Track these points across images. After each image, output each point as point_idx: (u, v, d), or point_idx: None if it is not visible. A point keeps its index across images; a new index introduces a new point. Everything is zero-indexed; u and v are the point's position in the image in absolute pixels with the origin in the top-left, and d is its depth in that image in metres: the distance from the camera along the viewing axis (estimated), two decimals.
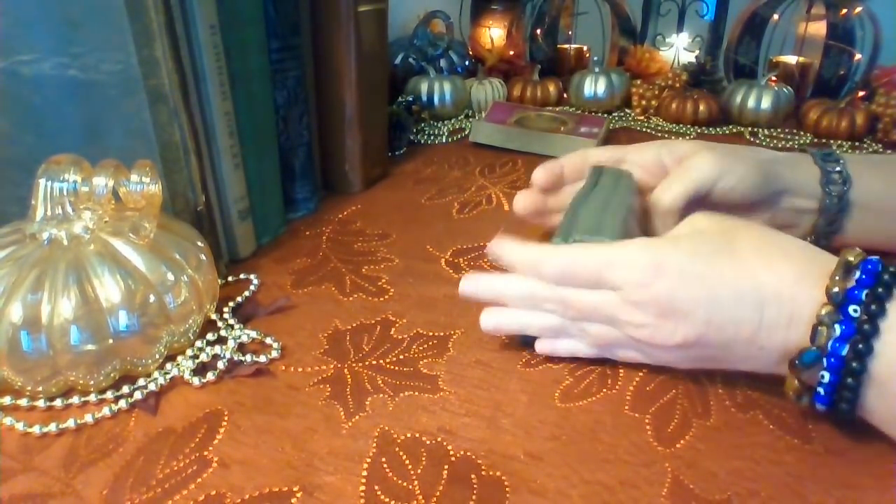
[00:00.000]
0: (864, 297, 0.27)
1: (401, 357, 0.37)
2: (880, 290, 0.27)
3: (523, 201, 0.48)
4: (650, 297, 0.31)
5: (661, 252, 0.31)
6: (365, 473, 0.29)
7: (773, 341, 0.29)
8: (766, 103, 0.79)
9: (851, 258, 0.28)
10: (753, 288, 0.29)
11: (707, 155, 0.41)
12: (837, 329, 0.27)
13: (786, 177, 0.43)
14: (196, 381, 0.34)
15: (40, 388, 0.32)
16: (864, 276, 0.28)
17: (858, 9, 0.81)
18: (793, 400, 0.30)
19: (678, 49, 1.00)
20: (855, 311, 0.27)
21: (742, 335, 0.30)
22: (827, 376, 0.28)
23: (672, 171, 0.43)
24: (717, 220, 0.34)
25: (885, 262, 0.28)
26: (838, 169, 0.43)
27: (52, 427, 0.31)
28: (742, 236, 0.32)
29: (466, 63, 0.93)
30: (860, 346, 0.27)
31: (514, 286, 0.35)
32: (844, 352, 0.27)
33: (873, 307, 0.27)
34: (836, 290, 0.28)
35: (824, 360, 0.28)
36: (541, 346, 0.36)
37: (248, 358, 0.36)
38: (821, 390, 0.28)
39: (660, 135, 0.80)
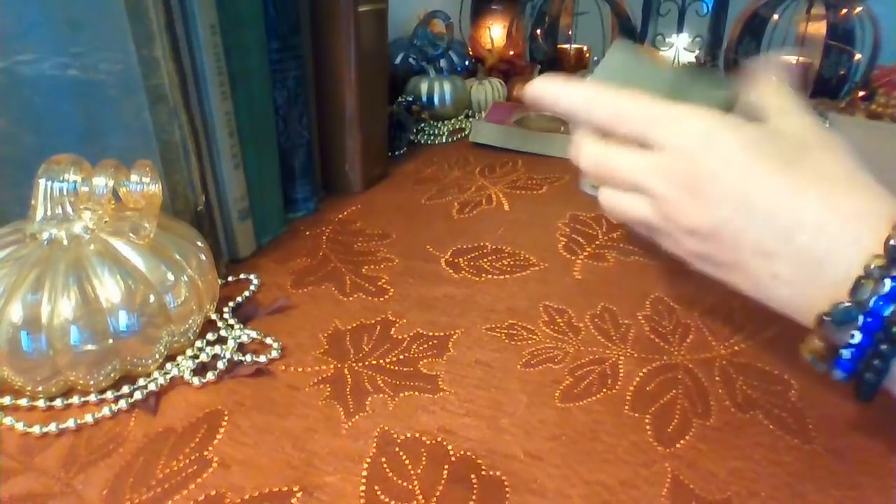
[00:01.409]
0: None
1: (401, 357, 0.37)
2: None
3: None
4: (685, 168, 0.28)
5: (718, 128, 0.28)
6: (365, 473, 0.29)
7: (793, 273, 0.26)
8: None
9: None
10: (794, 207, 0.26)
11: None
12: (887, 285, 0.23)
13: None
14: (196, 381, 0.34)
15: (40, 388, 0.32)
16: None
17: (858, 9, 0.81)
18: (807, 360, 0.27)
19: (678, 49, 1.00)
20: None
21: (760, 250, 0.27)
22: (858, 337, 0.24)
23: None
24: (806, 130, 0.29)
25: None
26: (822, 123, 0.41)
27: (52, 427, 0.31)
28: (818, 156, 0.28)
29: (466, 63, 0.93)
30: None
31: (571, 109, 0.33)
32: (888, 312, 0.23)
33: None
34: (895, 242, 0.24)
35: (860, 317, 0.24)
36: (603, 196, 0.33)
37: (248, 358, 0.36)
38: (846, 353, 0.25)
39: None
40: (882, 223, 0.25)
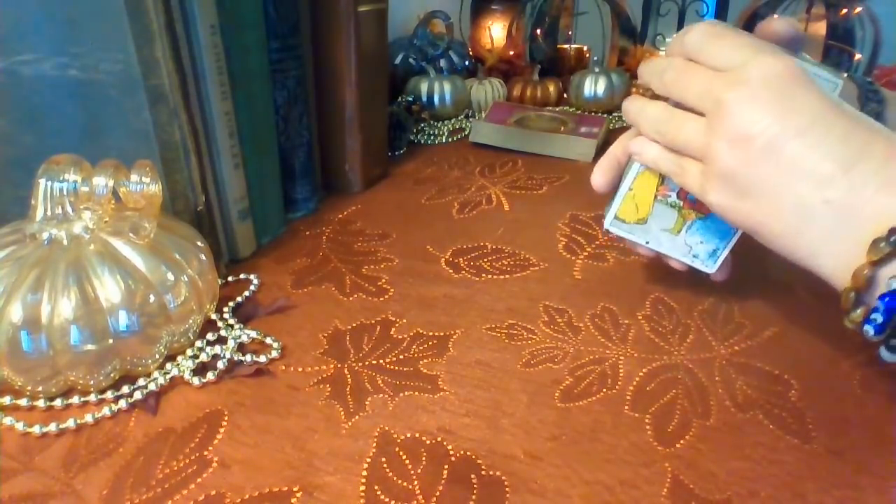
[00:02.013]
0: None
1: (401, 357, 0.37)
2: None
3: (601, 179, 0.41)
4: (777, 75, 0.28)
5: (803, 72, 0.29)
6: (365, 473, 0.29)
7: (847, 202, 0.27)
8: None
9: None
10: (866, 140, 0.27)
11: None
12: None
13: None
14: (196, 381, 0.34)
15: (40, 388, 0.32)
16: None
17: (858, 9, 0.81)
18: (847, 323, 0.28)
19: None
20: None
21: (816, 173, 0.27)
22: (880, 318, 0.26)
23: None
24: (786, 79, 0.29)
25: None
26: (874, 88, 0.41)
27: (52, 427, 0.31)
28: (882, 146, 0.27)
29: (466, 63, 0.93)
30: None
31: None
32: None
33: None
34: None
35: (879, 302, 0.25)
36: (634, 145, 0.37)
37: (248, 358, 0.36)
38: (877, 317, 0.26)
39: None
40: None
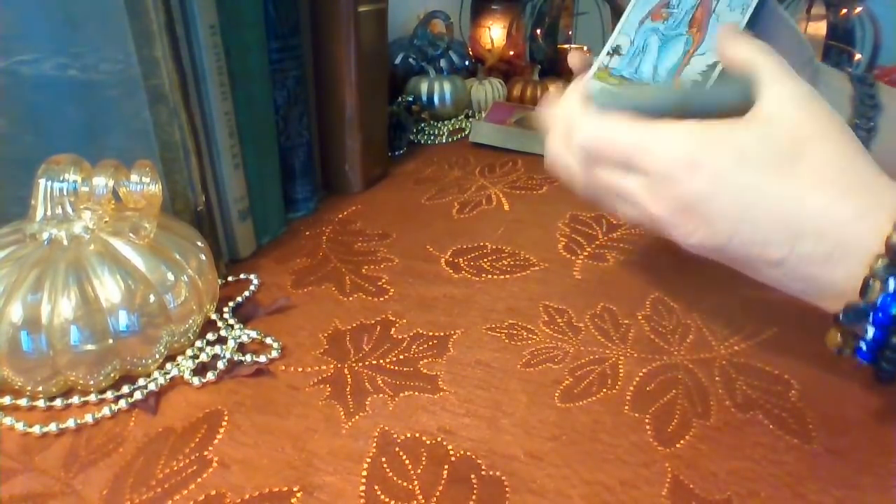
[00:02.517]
0: None
1: (401, 357, 0.37)
2: None
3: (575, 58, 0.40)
4: (675, 193, 0.28)
5: (704, 146, 0.28)
6: (365, 473, 0.29)
7: (801, 273, 0.27)
8: None
9: None
10: (794, 216, 0.26)
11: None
12: (892, 284, 0.24)
13: (817, 84, 0.40)
14: (196, 381, 0.34)
15: (40, 388, 0.32)
16: None
17: (858, 9, 0.81)
18: (833, 352, 0.28)
19: None
20: None
21: (766, 259, 0.27)
22: (871, 332, 0.25)
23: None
24: (801, 112, 0.28)
25: None
26: (872, 92, 0.40)
27: (52, 427, 0.31)
28: (814, 150, 0.27)
29: (466, 63, 0.93)
30: None
31: (549, 140, 0.34)
32: (894, 310, 0.24)
33: None
34: None
35: (871, 314, 0.25)
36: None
37: (248, 358, 0.36)
38: (863, 346, 0.26)
39: None
40: (884, 219, 0.25)
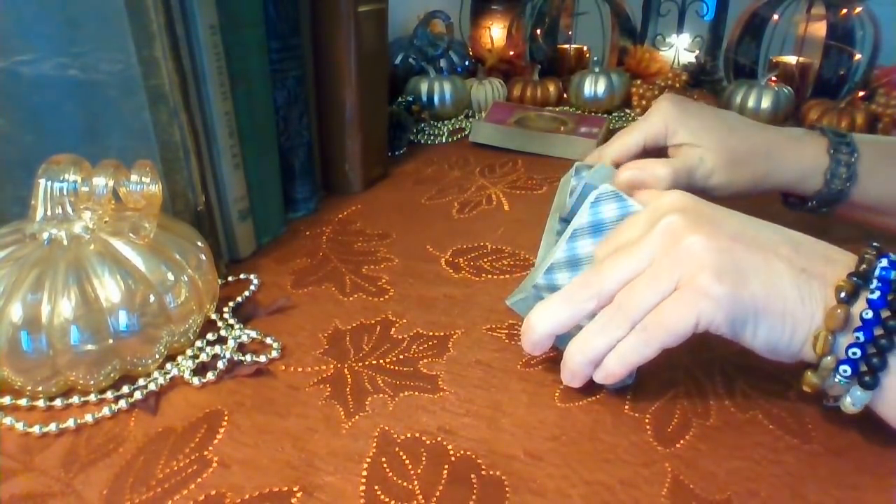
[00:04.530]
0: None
1: (401, 357, 0.37)
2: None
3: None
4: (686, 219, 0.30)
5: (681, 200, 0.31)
6: (365, 473, 0.29)
7: (814, 276, 0.28)
8: (766, 103, 0.80)
9: (870, 255, 0.28)
10: (785, 231, 0.30)
11: (665, 107, 0.43)
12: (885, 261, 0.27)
13: (785, 174, 0.43)
14: (196, 381, 0.34)
15: (40, 388, 0.32)
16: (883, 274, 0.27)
17: (858, 9, 0.81)
18: (811, 380, 0.28)
19: (678, 49, 1.00)
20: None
21: (786, 256, 0.28)
22: (877, 293, 0.27)
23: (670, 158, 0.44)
24: (696, 203, 0.31)
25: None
26: (849, 161, 0.42)
27: (52, 427, 0.31)
28: (723, 218, 0.30)
29: (466, 63, 0.93)
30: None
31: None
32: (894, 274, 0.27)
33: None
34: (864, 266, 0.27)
35: (874, 280, 0.27)
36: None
37: (248, 358, 0.36)
38: (860, 338, 0.27)
39: None
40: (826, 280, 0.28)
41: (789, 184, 0.44)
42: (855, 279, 0.27)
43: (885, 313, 0.26)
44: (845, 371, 0.27)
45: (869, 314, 0.26)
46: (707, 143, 0.42)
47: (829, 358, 0.27)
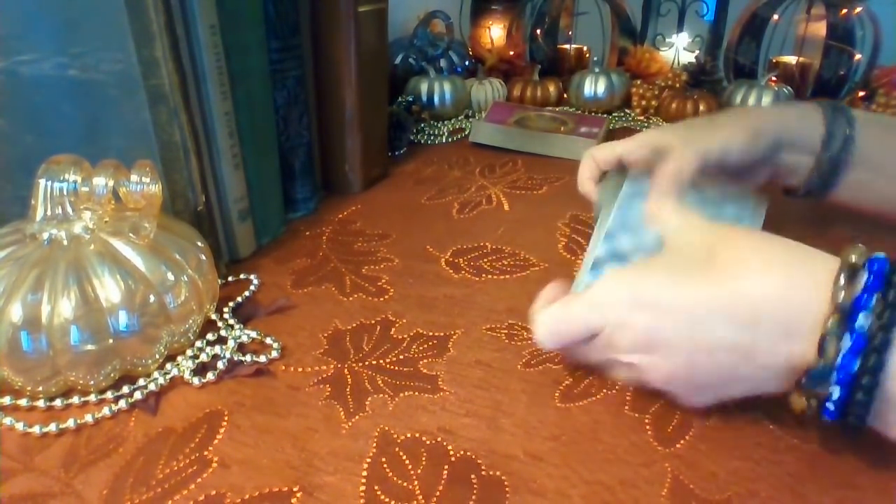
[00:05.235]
0: (873, 304, 0.24)
1: (401, 357, 0.37)
2: (892, 294, 0.24)
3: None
4: (631, 333, 0.29)
5: (634, 284, 0.30)
6: (365, 473, 0.29)
7: (776, 357, 0.27)
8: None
9: (854, 258, 0.25)
10: (738, 306, 0.27)
11: (679, 150, 0.41)
12: (847, 340, 0.25)
13: (785, 133, 0.43)
14: (196, 381, 0.34)
15: (40, 388, 0.32)
16: (872, 279, 0.25)
17: (858, 9, 0.81)
18: (798, 417, 0.28)
19: (678, 49, 1.00)
20: (865, 319, 0.24)
21: (738, 357, 0.27)
22: (837, 391, 0.25)
23: (656, 171, 0.43)
24: (703, 230, 0.31)
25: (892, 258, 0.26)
26: (844, 127, 0.42)
27: (52, 427, 0.31)
28: (724, 249, 0.29)
29: (466, 63, 0.93)
30: (872, 359, 0.24)
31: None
32: (855, 367, 0.25)
33: (886, 315, 0.24)
34: (843, 295, 0.25)
35: (833, 374, 0.25)
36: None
37: (248, 358, 0.36)
38: (830, 406, 0.26)
39: None
40: (815, 282, 0.26)
41: (792, 140, 0.43)
42: (821, 360, 0.26)
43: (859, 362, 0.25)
44: (830, 408, 0.27)
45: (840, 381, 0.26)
46: (723, 121, 0.43)
47: (812, 402, 0.27)
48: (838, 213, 0.46)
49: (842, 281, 0.25)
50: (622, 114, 0.88)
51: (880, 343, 0.24)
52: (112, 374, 0.33)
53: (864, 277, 0.25)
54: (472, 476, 0.28)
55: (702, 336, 0.28)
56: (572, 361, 0.36)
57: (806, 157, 0.44)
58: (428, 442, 0.30)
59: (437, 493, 0.27)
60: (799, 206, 0.47)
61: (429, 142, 0.77)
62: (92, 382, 0.33)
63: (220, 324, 0.39)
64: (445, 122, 0.83)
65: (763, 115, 0.45)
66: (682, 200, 0.37)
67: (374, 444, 0.30)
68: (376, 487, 0.28)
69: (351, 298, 0.43)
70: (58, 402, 0.33)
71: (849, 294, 0.25)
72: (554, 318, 0.32)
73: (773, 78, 0.83)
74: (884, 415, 0.26)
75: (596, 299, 0.31)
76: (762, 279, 0.27)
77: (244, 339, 0.38)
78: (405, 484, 0.28)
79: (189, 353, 0.36)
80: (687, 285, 0.29)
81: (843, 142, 0.42)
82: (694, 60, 0.94)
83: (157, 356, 0.35)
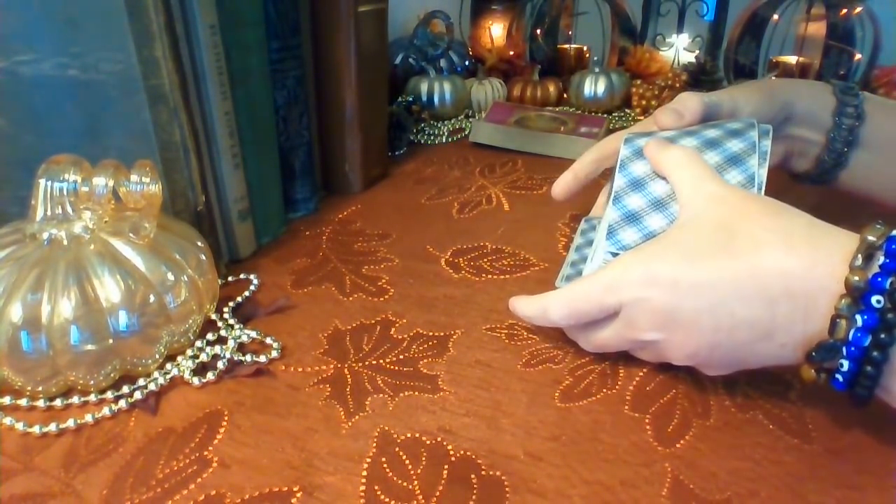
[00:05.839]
0: (888, 285, 0.25)
1: (401, 357, 0.37)
2: None
3: (560, 189, 0.49)
4: (650, 311, 0.30)
5: (648, 263, 0.30)
6: (365, 473, 0.29)
7: (794, 335, 0.27)
8: None
9: (874, 238, 0.26)
10: (760, 285, 0.27)
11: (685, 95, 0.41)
12: (859, 319, 0.25)
13: (797, 102, 0.43)
14: (196, 381, 0.34)
15: (40, 388, 0.32)
16: (888, 261, 0.25)
17: (858, 9, 0.81)
18: (807, 381, 0.28)
19: (678, 49, 1.00)
20: (878, 301, 0.25)
21: (758, 334, 0.28)
22: (846, 364, 0.26)
23: (656, 112, 0.43)
24: (719, 203, 0.31)
25: None
26: (855, 103, 0.43)
27: (52, 427, 0.31)
28: (741, 226, 0.29)
29: (466, 63, 0.93)
30: (883, 336, 0.25)
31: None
32: (867, 342, 0.25)
33: None
34: (856, 279, 0.25)
35: (844, 348, 0.26)
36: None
37: (248, 358, 0.36)
38: (839, 377, 0.27)
39: None
40: (838, 261, 0.26)
41: (803, 112, 0.44)
42: (830, 343, 0.26)
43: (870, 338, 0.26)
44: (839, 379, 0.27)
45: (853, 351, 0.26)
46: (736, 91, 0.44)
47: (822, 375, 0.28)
48: (841, 213, 0.46)
49: (858, 261, 0.26)
50: (622, 114, 0.88)
51: (893, 320, 0.25)
52: (112, 374, 0.33)
53: (880, 259, 0.25)
54: (472, 476, 0.28)
55: (723, 315, 0.28)
56: (594, 350, 0.36)
57: (816, 135, 0.44)
58: (428, 442, 0.30)
59: (437, 493, 0.27)
60: (804, 201, 0.47)
61: (429, 142, 0.77)
62: (92, 382, 0.33)
63: (220, 324, 0.39)
64: (445, 122, 0.83)
65: (775, 82, 0.45)
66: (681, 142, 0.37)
67: (374, 444, 0.30)
68: (376, 487, 0.28)
69: (351, 298, 0.43)
70: (58, 402, 0.33)
71: (864, 275, 0.25)
72: (568, 297, 0.33)
73: (774, 78, 0.83)
74: (891, 387, 0.26)
75: (609, 280, 0.31)
76: (785, 258, 0.27)
77: (244, 339, 0.38)
78: (405, 484, 0.28)
79: (189, 353, 0.36)
80: (705, 263, 0.29)
81: (855, 116, 0.42)
82: (694, 60, 0.93)
83: (157, 356, 0.35)
